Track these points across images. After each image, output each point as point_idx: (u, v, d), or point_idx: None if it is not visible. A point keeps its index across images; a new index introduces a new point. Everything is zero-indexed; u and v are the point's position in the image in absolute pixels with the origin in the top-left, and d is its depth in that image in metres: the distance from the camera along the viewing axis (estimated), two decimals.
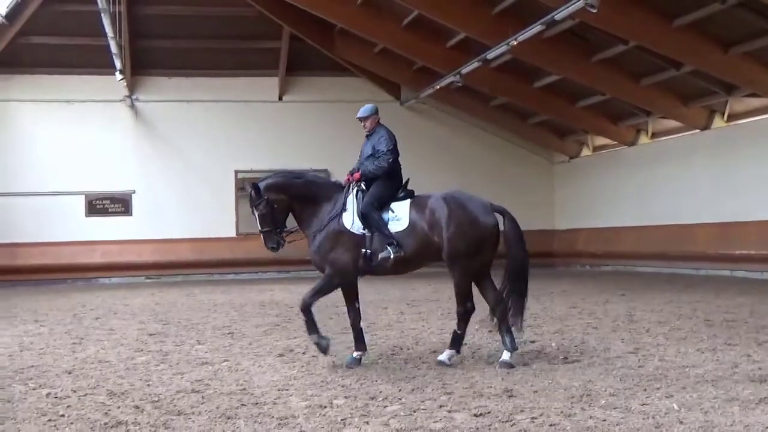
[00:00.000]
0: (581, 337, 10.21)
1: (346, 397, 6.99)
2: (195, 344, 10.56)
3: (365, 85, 27.66)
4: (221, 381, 7.90)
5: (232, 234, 26.95)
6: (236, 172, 27.20)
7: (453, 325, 11.60)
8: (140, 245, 26.07)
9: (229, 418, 6.29)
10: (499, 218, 8.81)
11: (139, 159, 26.54)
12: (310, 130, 27.41)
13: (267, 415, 6.38)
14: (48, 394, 7.37)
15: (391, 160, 8.93)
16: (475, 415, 6.19)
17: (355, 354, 8.78)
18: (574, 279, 22.16)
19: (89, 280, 25.32)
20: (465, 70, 22.08)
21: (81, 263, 25.50)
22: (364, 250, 8.77)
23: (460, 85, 23.33)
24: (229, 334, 11.52)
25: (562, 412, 6.20)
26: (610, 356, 8.70)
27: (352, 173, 9.14)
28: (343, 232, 8.81)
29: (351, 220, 8.84)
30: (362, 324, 8.99)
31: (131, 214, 26.47)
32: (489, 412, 6.26)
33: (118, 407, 6.77)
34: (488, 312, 8.84)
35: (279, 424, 6.08)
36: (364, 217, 8.77)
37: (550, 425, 5.83)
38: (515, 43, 19.09)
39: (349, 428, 5.93)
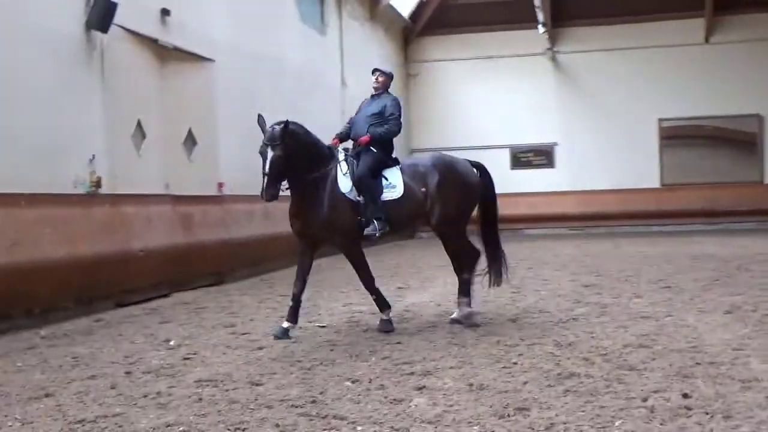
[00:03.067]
0: None
1: None
2: (632, 297, 10.34)
3: None
4: (668, 337, 7.60)
5: (656, 184, 26.11)
6: (659, 120, 26.29)
7: None
8: (563, 197, 26.32)
9: (685, 377, 6.00)
10: None
11: (560, 111, 26.71)
12: (740, 73, 25.63)
13: (726, 376, 5.99)
14: (498, 342, 7.62)
15: (400, 126, 8.70)
16: None
17: (384, 316, 8.53)
18: None
19: (515, 231, 26.07)
20: None
21: (507, 215, 26.20)
22: (359, 218, 8.32)
23: None
24: (666, 287, 11.14)
25: None
26: None
27: (340, 137, 8.75)
28: (341, 197, 8.26)
29: (347, 186, 8.31)
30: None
31: (554, 166, 26.82)
32: None
33: (568, 358, 6.79)
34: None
35: (742, 387, 5.67)
36: (360, 182, 8.30)
37: None
38: None
39: None
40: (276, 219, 16.29)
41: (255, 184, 15.18)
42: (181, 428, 5.07)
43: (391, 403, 5.50)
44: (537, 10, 22.33)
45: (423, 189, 8.54)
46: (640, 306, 9.55)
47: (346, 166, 8.33)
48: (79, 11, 10.86)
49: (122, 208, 11.50)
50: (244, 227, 14.87)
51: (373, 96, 8.80)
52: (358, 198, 8.26)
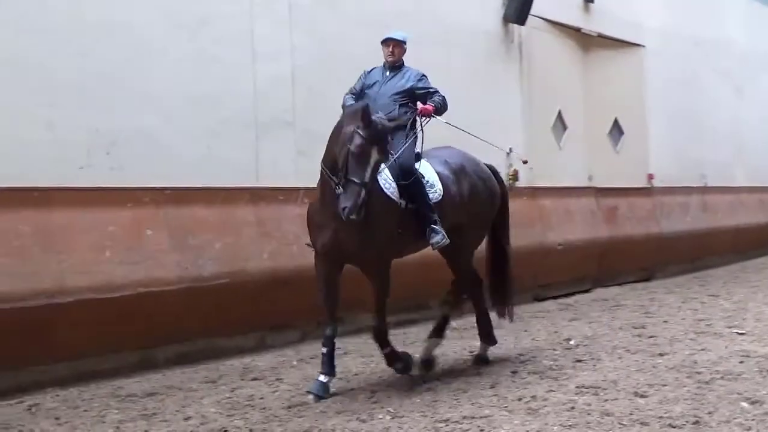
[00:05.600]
0: None
1: None
2: None
3: None
4: None
5: None
6: None
7: None
8: None
9: None
10: None
11: None
12: None
13: None
14: None
15: None
16: None
17: (321, 378, 6.10)
18: None
19: None
20: None
21: None
22: (399, 230, 6.15)
23: None
24: None
25: None
26: None
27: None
28: (385, 199, 6.05)
29: (388, 183, 6.08)
30: None
31: None
32: None
33: None
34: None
35: None
36: (409, 175, 6.13)
37: None
38: None
39: None
40: (716, 212, 15.16)
41: (689, 176, 14.37)
42: None
43: None
44: None
45: (456, 190, 6.62)
46: None
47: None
48: (496, 6, 10.95)
49: (540, 201, 11.39)
50: (678, 221, 14.01)
51: (389, 69, 6.55)
52: (400, 200, 6.16)
